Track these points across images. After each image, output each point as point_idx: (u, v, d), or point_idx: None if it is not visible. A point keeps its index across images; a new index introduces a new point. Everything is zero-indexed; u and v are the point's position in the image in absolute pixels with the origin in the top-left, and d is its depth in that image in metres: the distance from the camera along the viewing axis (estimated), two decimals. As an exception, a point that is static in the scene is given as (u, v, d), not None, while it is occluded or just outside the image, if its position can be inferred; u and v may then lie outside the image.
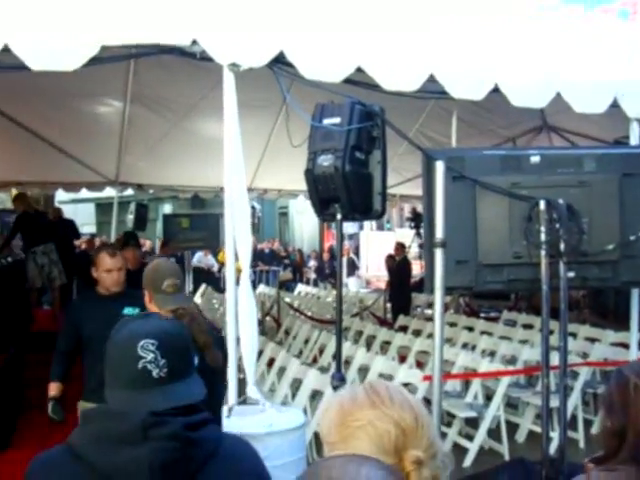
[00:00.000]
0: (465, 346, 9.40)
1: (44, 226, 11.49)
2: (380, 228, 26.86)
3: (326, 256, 26.39)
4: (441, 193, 4.84)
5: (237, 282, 5.25)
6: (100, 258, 5.16)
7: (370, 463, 1.38)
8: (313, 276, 25.20)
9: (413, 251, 16.71)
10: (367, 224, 26.28)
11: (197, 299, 14.38)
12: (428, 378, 6.82)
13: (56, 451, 2.04)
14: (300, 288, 19.62)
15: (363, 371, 8.15)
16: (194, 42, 4.95)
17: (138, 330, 2.03)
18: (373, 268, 22.90)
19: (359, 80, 5.58)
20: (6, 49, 4.66)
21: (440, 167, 4.82)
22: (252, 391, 5.17)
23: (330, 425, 1.77)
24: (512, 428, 7.75)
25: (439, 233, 4.85)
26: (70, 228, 13.81)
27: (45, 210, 13.63)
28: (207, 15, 5.05)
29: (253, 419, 5.01)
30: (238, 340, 5.13)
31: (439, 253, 4.85)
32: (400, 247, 15.69)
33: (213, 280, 19.20)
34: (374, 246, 23.99)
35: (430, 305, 14.61)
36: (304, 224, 32.79)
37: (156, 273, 4.18)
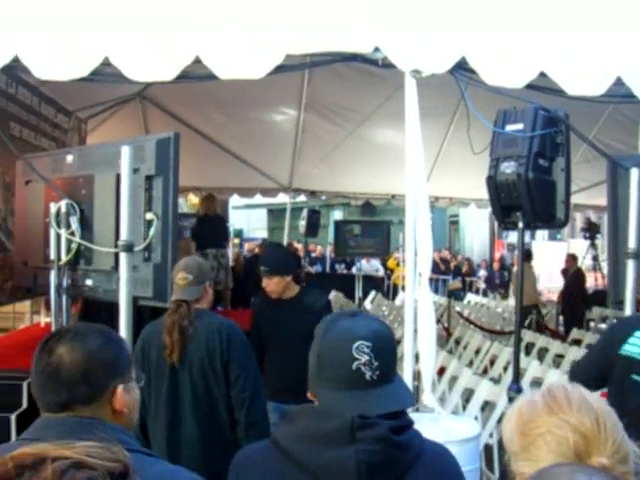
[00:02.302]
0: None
1: (220, 230, 11.76)
2: (552, 238, 26.22)
3: (496, 266, 26.00)
4: (635, 201, 4.64)
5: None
6: None
7: (601, 474, 1.32)
8: (482, 286, 24.87)
9: (587, 262, 16.20)
10: (539, 234, 25.69)
11: (367, 305, 14.44)
12: (606, 395, 6.56)
13: (261, 446, 2.09)
14: (469, 297, 19.38)
15: (536, 384, 7.95)
16: (376, 49, 4.97)
17: (352, 331, 2.05)
18: (544, 279, 22.33)
19: (540, 85, 5.44)
20: (197, 60, 4.85)
21: (635, 175, 4.63)
22: (428, 399, 5.12)
23: (512, 434, 1.73)
24: None
25: (632, 243, 4.65)
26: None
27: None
28: (389, 22, 5.06)
29: (428, 427, 4.96)
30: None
31: (631, 264, 4.65)
32: (571, 258, 15.22)
33: (380, 286, 19.23)
34: (546, 257, 23.40)
35: (604, 319, 14.11)
36: (474, 233, 32.44)
37: (175, 267, 4.43)
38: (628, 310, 4.70)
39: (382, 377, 2.01)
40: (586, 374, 3.99)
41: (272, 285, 5.51)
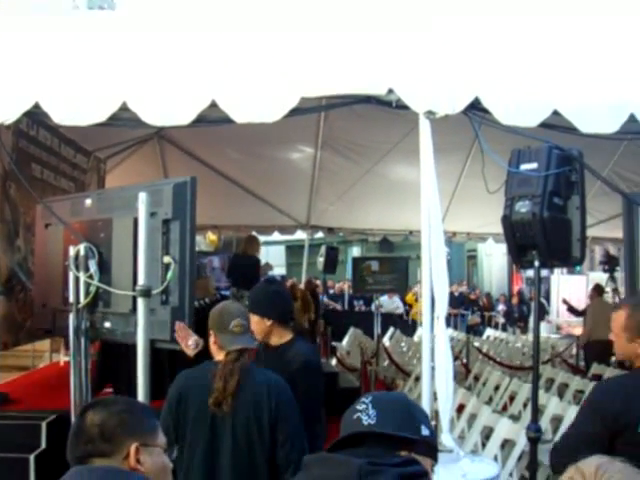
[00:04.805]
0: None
1: (253, 273, 11.64)
2: (570, 272, 26.08)
3: (515, 300, 25.89)
4: (645, 238, 4.66)
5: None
6: None
7: None
8: (501, 320, 24.78)
9: (606, 296, 16.05)
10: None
11: (386, 342, 14.42)
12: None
13: None
14: (488, 332, 19.31)
15: (555, 421, 7.88)
16: (390, 91, 5.02)
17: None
18: (564, 313, 22.22)
19: (554, 123, 5.46)
20: (213, 104, 4.92)
21: (644, 212, 4.65)
22: (446, 439, 5.10)
23: None
24: None
25: (644, 281, 4.66)
26: None
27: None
28: (402, 63, 5.12)
29: (446, 468, 4.94)
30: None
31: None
32: (595, 290, 14.94)
33: (399, 323, 19.19)
34: (564, 290, 23.28)
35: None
36: (493, 267, 32.38)
37: (223, 313, 4.23)
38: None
39: (382, 424, 2.08)
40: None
41: (252, 324, 4.68)
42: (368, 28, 5.47)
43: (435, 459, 2.21)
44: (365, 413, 2.09)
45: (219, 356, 4.17)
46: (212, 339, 4.22)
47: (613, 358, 12.79)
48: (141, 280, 4.26)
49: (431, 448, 2.19)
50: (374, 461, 1.96)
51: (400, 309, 21.62)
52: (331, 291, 24.34)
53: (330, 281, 23.37)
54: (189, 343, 4.49)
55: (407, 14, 5.73)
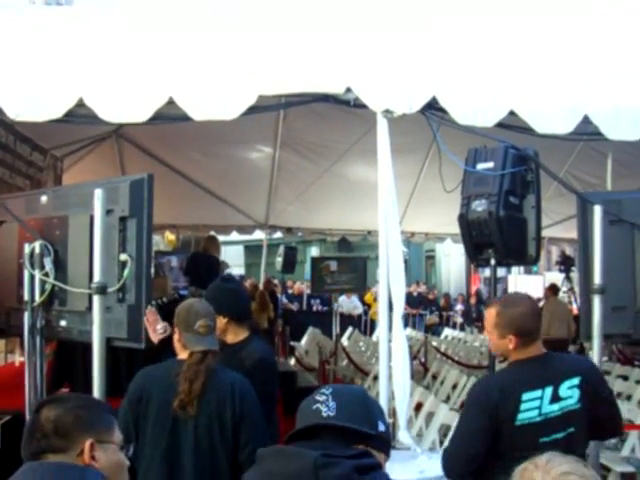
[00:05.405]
0: (619, 395, 8.97)
1: (212, 272, 11.54)
2: (528, 272, 26.32)
3: (473, 300, 26.03)
4: (598, 238, 4.71)
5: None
6: None
7: None
8: (460, 320, 24.89)
9: (561, 295, 16.21)
10: (515, 268, 25.76)
11: (344, 341, 14.44)
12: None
13: None
14: (447, 332, 19.41)
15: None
16: (348, 90, 5.04)
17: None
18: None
19: (510, 124, 5.52)
20: (170, 101, 4.90)
21: (597, 212, 4.70)
22: (404, 436, 5.13)
23: None
24: (673, 486, 7.32)
25: (597, 279, 4.71)
26: None
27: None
28: (360, 63, 5.14)
29: (404, 465, 4.96)
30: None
31: (597, 300, 4.71)
32: (550, 289, 15.06)
33: (357, 323, 19.23)
34: (521, 290, 23.43)
35: (579, 352, 14.11)
36: (451, 267, 32.56)
37: (190, 312, 4.16)
38: (595, 347, 4.74)
39: (341, 417, 2.08)
40: (476, 456, 3.60)
41: None
42: (326, 27, 5.49)
43: (388, 455, 2.21)
44: (325, 404, 2.09)
45: (182, 354, 4.12)
46: (177, 336, 4.16)
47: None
48: (96, 277, 4.23)
49: (386, 444, 2.20)
50: (329, 453, 1.96)
51: (359, 309, 21.66)
52: (290, 291, 24.32)
53: (289, 281, 23.36)
54: (157, 327, 4.46)
55: (365, 13, 5.76)
